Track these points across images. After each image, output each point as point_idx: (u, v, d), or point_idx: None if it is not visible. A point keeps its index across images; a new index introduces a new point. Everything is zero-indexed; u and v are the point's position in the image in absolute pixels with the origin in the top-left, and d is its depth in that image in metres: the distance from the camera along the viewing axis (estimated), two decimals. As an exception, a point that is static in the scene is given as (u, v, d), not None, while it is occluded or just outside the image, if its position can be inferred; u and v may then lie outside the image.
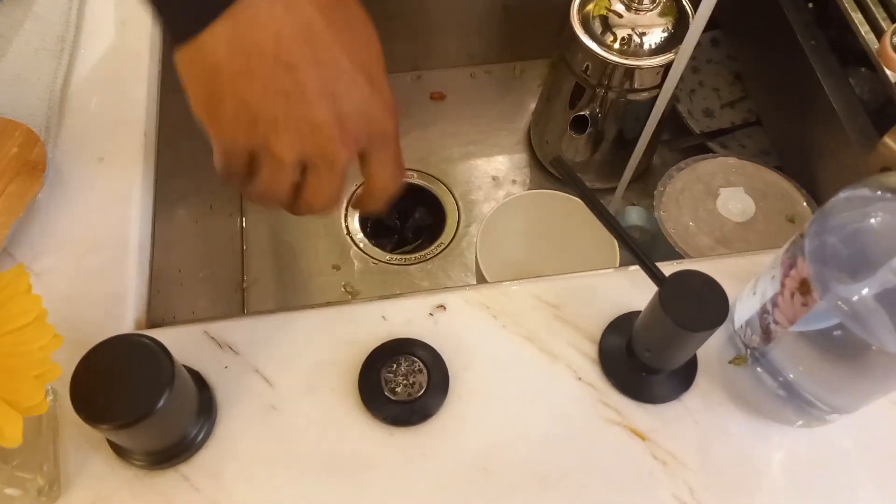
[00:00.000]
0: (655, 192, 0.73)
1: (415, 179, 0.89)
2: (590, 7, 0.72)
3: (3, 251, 0.43)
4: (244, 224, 0.83)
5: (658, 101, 0.61)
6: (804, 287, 0.32)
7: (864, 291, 0.30)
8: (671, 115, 0.89)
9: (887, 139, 0.45)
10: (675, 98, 0.89)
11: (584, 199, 0.37)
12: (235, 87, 0.31)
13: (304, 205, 0.36)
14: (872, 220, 0.31)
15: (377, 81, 0.35)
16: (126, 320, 0.42)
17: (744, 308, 0.38)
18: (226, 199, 0.77)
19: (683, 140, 0.87)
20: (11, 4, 0.52)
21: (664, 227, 0.70)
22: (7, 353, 0.29)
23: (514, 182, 0.88)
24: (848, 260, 0.31)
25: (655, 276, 0.35)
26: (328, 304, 0.46)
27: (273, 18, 0.31)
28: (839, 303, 0.30)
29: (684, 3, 0.72)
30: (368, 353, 0.41)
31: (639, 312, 0.43)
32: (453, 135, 0.92)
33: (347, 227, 0.84)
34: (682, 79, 0.89)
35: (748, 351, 0.38)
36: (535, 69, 0.96)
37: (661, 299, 0.34)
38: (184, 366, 0.40)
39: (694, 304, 0.34)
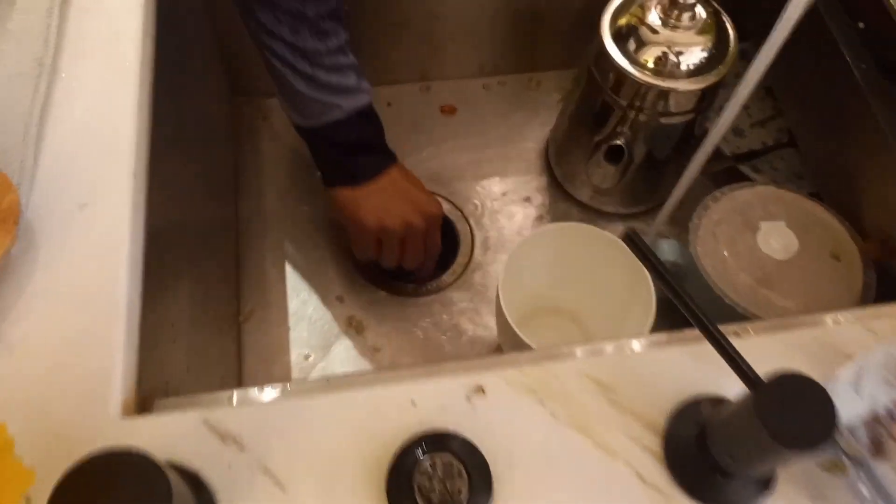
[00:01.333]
0: (690, 225, 0.68)
1: (424, 199, 0.82)
2: (622, 20, 0.66)
3: (-33, 319, 0.37)
4: (241, 253, 0.76)
5: (708, 140, 0.55)
6: (941, 409, 0.26)
7: None
8: (700, 134, 0.84)
9: None
10: (704, 117, 0.84)
11: (662, 281, 0.31)
12: (375, 210, 0.63)
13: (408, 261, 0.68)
14: None
15: (429, 203, 0.67)
16: (112, 403, 0.36)
17: (843, 407, 0.33)
18: (219, 227, 0.70)
19: (714, 164, 0.81)
20: (-21, 21, 0.45)
21: (701, 264, 0.65)
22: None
23: (530, 203, 0.82)
24: None
25: (749, 378, 0.30)
26: (347, 379, 0.40)
27: (396, 176, 0.65)
28: None
29: (725, 21, 0.66)
30: (397, 449, 0.35)
31: (709, 399, 0.38)
32: (465, 151, 0.85)
33: (353, 254, 0.78)
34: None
35: (846, 458, 0.33)
36: (553, 81, 0.90)
37: (758, 409, 0.29)
38: (179, 467, 0.34)
39: (795, 416, 0.29)
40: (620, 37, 0.66)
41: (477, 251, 0.79)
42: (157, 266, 0.45)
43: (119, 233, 0.41)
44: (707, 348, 0.33)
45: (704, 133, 0.74)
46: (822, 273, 0.65)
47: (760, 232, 0.67)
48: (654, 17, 0.64)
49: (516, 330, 0.59)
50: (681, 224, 0.70)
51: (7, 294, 0.38)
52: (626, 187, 0.77)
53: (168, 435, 0.35)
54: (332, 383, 0.39)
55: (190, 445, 0.35)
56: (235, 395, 0.38)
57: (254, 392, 0.39)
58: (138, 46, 0.47)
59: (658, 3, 0.64)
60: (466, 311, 0.75)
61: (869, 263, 0.65)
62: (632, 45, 0.65)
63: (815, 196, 0.71)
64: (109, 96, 0.45)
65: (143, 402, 0.38)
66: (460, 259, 0.78)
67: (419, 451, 0.35)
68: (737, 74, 0.90)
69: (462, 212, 0.81)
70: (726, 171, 0.81)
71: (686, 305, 0.31)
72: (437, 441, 0.35)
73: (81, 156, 0.42)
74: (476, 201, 0.82)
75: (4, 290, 0.38)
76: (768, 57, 0.50)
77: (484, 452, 0.35)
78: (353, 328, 0.72)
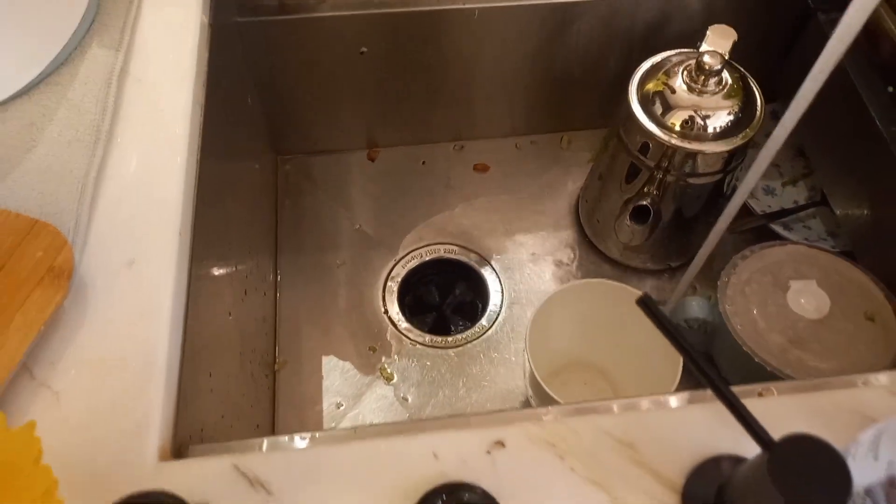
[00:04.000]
0: (719, 284, 0.68)
1: (456, 254, 0.85)
2: (650, 85, 0.68)
3: (22, 367, 0.39)
4: (278, 303, 0.79)
5: (735, 197, 0.56)
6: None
7: None
8: (730, 194, 0.84)
9: None
10: (733, 177, 0.84)
11: (677, 346, 0.32)
12: None
13: None
14: None
15: None
16: (149, 449, 0.38)
17: (860, 471, 0.33)
18: (260, 277, 0.73)
19: (744, 222, 0.82)
20: (45, 90, 0.49)
21: (730, 324, 0.65)
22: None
23: (560, 259, 0.83)
24: None
25: (762, 440, 0.30)
26: (373, 428, 0.41)
27: None
28: None
29: (752, 84, 0.67)
30: (418, 499, 0.36)
31: (728, 457, 0.38)
32: (496, 208, 0.88)
33: (385, 307, 0.80)
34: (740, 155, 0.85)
35: (866, 523, 0.32)
36: (583, 140, 0.92)
37: (771, 472, 0.29)
38: (210, 512, 0.35)
39: (809, 480, 0.29)
40: (647, 100, 0.68)
41: (506, 306, 0.80)
42: (197, 317, 0.48)
43: (163, 290, 0.43)
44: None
45: (733, 192, 0.75)
46: (856, 334, 0.64)
47: (791, 291, 0.66)
48: (680, 83, 0.66)
49: (543, 385, 0.60)
50: (712, 282, 0.70)
51: (57, 345, 0.41)
52: (655, 245, 0.78)
53: (201, 478, 0.37)
54: (359, 433, 0.40)
55: (221, 489, 0.36)
56: (266, 442, 0.40)
57: (283, 440, 0.40)
58: (188, 114, 0.51)
59: (685, 69, 0.66)
60: (495, 365, 0.76)
61: (905, 324, 0.64)
62: (658, 109, 0.67)
63: (849, 255, 0.71)
64: (160, 161, 0.48)
65: (179, 448, 0.40)
66: (490, 313, 0.80)
67: (439, 502, 0.35)
68: (767, 134, 0.91)
69: (493, 266, 0.83)
70: (757, 230, 0.81)
71: (697, 367, 0.31)
72: (457, 492, 0.36)
73: (132, 216, 0.45)
74: (506, 257, 0.84)
75: (55, 341, 0.41)
76: (796, 114, 0.51)
77: (502, 505, 0.36)
78: (383, 378, 0.73)
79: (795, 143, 0.87)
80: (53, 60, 0.50)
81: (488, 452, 0.38)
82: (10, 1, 0.50)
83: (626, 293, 0.65)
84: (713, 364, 0.70)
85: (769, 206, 0.83)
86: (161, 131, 0.50)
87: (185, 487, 0.34)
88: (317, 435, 0.41)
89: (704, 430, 0.39)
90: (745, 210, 0.83)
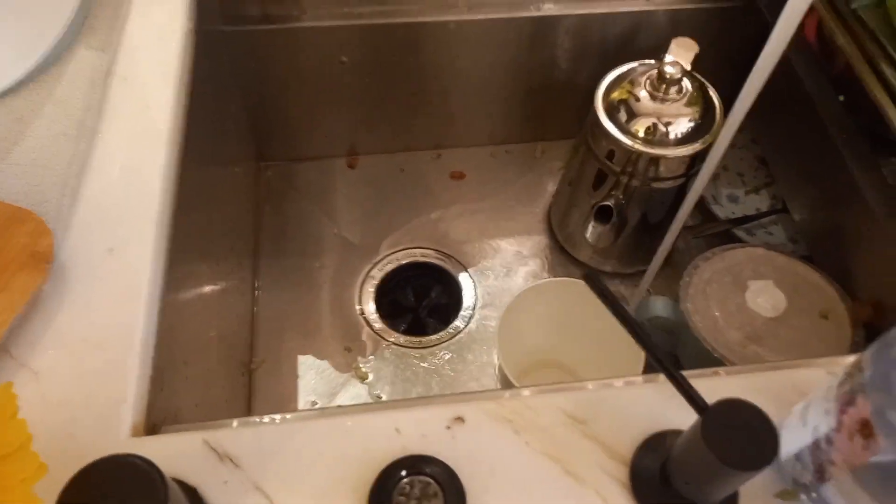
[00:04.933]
0: (681, 283, 0.71)
1: (432, 258, 0.87)
2: (615, 94, 0.71)
3: (2, 348, 0.41)
4: (257, 303, 0.81)
5: (685, 202, 0.59)
6: (865, 429, 0.29)
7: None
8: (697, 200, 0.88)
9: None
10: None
11: (619, 317, 0.34)
12: None
13: None
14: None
15: None
16: (123, 426, 0.40)
17: (792, 438, 0.35)
18: (240, 277, 0.75)
19: (708, 226, 0.85)
20: (34, 88, 0.51)
21: (692, 321, 0.67)
22: (-14, 483, 0.27)
23: (532, 264, 0.86)
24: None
25: (697, 403, 0.33)
26: (340, 409, 0.43)
27: None
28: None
29: (711, 93, 0.71)
30: (379, 471, 0.38)
31: (674, 432, 0.40)
32: (472, 214, 0.90)
33: (362, 307, 0.82)
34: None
35: (797, 485, 0.35)
36: (556, 150, 0.95)
37: (704, 432, 0.31)
38: (179, 481, 0.37)
39: (740, 439, 0.31)
40: (613, 108, 0.71)
41: (479, 308, 0.82)
42: (175, 307, 0.50)
43: (141, 276, 0.45)
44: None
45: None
46: (810, 331, 0.67)
47: (749, 290, 0.69)
48: (643, 92, 0.69)
49: (512, 380, 0.62)
50: (673, 283, 0.73)
51: (37, 327, 0.43)
52: (623, 249, 0.81)
53: (172, 453, 0.38)
54: (325, 412, 0.42)
55: (191, 463, 0.38)
56: (236, 421, 0.42)
57: (254, 419, 0.42)
58: (170, 113, 0.53)
59: (647, 78, 0.70)
60: (467, 364, 0.78)
61: (857, 323, 0.67)
62: (623, 117, 0.70)
63: (808, 259, 0.74)
64: (142, 156, 0.51)
65: (152, 427, 0.42)
66: (463, 314, 0.82)
67: (399, 473, 0.37)
68: (732, 144, 0.95)
69: (467, 270, 0.85)
70: (722, 235, 0.84)
71: (639, 338, 0.34)
72: (417, 464, 0.38)
73: (113, 206, 0.47)
74: (481, 261, 0.86)
75: (36, 323, 0.43)
76: (741, 113, 0.54)
77: (460, 476, 0.38)
78: (358, 377, 0.75)
79: (758, 153, 0.91)
80: (42, 60, 0.52)
81: (448, 427, 0.40)
82: (1, 1, 0.52)
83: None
84: (678, 364, 0.73)
85: (733, 213, 0.86)
86: (144, 128, 0.52)
87: (156, 461, 0.36)
88: (287, 416, 0.43)
89: (653, 408, 0.41)
90: (711, 216, 0.86)
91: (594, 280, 0.35)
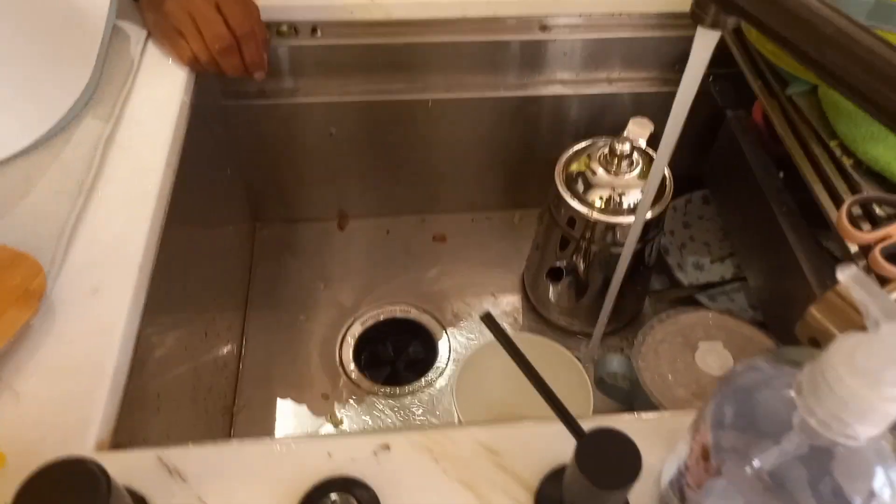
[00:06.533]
0: (635, 342, 0.75)
1: (412, 315, 0.92)
2: (573, 166, 0.78)
3: (-9, 371, 0.47)
4: (243, 352, 0.86)
5: (621, 258, 0.64)
6: (705, 453, 0.33)
7: (757, 465, 0.31)
8: (663, 267, 0.93)
9: (814, 310, 0.47)
10: (664, 251, 0.93)
11: (514, 356, 0.40)
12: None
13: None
14: (767, 394, 0.33)
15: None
16: (89, 441, 0.45)
17: (668, 468, 0.39)
18: (224, 325, 0.81)
19: (673, 291, 0.90)
20: (42, 151, 0.59)
21: (642, 378, 0.72)
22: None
23: (505, 323, 0.91)
24: (743, 432, 0.32)
25: (576, 431, 0.37)
26: (283, 437, 0.48)
27: None
28: (737, 473, 0.32)
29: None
30: (309, 488, 0.42)
31: (575, 464, 0.44)
32: (451, 274, 0.96)
33: (341, 358, 0.87)
34: (672, 233, 0.94)
35: (671, 511, 0.39)
36: (533, 217, 1.01)
37: (577, 456, 0.36)
38: (130, 490, 0.42)
39: (608, 463, 0.36)
40: (572, 180, 0.77)
41: (451, 362, 0.87)
42: (150, 343, 0.56)
43: (119, 314, 0.51)
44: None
45: (654, 259, 0.84)
46: (755, 390, 0.70)
47: (699, 351, 0.73)
48: (597, 165, 0.76)
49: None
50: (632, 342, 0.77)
51: (24, 355, 0.49)
52: (587, 309, 0.86)
53: (128, 466, 0.43)
54: (271, 440, 0.47)
55: (144, 475, 0.43)
56: (191, 444, 0.47)
57: (208, 443, 0.47)
58: (160, 176, 0.60)
59: (601, 154, 0.76)
60: (437, 416, 0.82)
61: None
62: (581, 187, 0.76)
63: (762, 325, 0.78)
64: (131, 211, 0.57)
65: (116, 445, 0.47)
66: (436, 368, 0.86)
67: (326, 492, 0.42)
68: (700, 216, 1.00)
69: (443, 326, 0.90)
70: (686, 300, 0.88)
71: (530, 375, 0.39)
72: (343, 484, 0.42)
73: (101, 254, 0.54)
74: (457, 319, 0.91)
75: (23, 352, 0.49)
76: (665, 157, 0.60)
77: (380, 497, 0.42)
78: (331, 422, 0.80)
79: (723, 225, 0.96)
80: (53, 128, 0.60)
81: (375, 454, 0.45)
82: (22, 75, 0.61)
83: (550, 347, 0.73)
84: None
85: (698, 280, 0.91)
86: (136, 189, 0.59)
87: (111, 471, 0.41)
88: (234, 441, 0.47)
89: (564, 443, 0.45)
90: (676, 282, 0.91)
91: (491, 321, 0.41)
